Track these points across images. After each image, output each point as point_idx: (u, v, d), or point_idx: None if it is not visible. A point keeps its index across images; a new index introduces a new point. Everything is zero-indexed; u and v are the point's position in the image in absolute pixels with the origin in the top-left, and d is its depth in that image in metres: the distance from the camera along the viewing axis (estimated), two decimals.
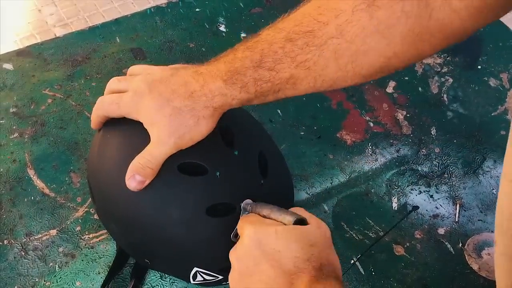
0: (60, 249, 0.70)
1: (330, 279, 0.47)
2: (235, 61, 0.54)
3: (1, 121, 0.82)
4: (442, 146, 0.85)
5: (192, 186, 0.56)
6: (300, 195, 0.77)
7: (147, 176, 0.54)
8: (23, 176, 0.76)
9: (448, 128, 0.87)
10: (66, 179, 0.76)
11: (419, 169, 0.82)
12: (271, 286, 0.48)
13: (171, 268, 0.63)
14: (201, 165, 0.56)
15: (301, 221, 0.51)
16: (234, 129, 0.60)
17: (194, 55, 0.93)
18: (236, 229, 0.55)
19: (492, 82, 0.94)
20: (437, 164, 0.83)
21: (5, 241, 0.70)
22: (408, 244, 0.74)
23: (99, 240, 0.71)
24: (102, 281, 0.66)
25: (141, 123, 0.55)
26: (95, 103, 0.59)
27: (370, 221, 0.75)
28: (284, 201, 0.59)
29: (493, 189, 0.80)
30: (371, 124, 0.87)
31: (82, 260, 0.69)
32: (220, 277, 0.60)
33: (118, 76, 0.60)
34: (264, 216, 0.54)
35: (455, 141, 0.86)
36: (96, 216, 0.72)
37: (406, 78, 0.93)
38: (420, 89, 0.92)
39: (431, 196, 0.79)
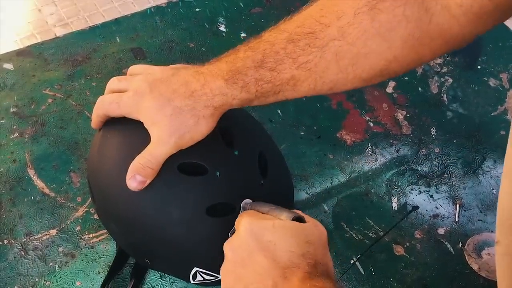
0: (60, 249, 0.70)
1: (323, 278, 0.47)
2: (237, 61, 0.54)
3: (1, 121, 0.82)
4: (442, 146, 0.85)
5: (192, 186, 0.56)
6: (300, 195, 0.77)
7: (148, 176, 0.54)
8: (23, 176, 0.76)
9: (448, 128, 0.87)
10: (66, 179, 0.76)
11: (419, 169, 0.82)
12: (264, 277, 0.48)
13: (171, 268, 0.63)
14: (201, 165, 0.56)
15: (298, 219, 0.52)
16: (234, 129, 0.60)
17: (194, 55, 0.93)
18: (234, 227, 0.55)
19: (492, 82, 0.94)
20: (437, 164, 0.83)
21: (5, 240, 0.70)
22: (408, 244, 0.74)
23: (99, 240, 0.71)
24: (102, 281, 0.66)
25: (142, 123, 0.55)
26: (95, 103, 0.59)
27: (370, 221, 0.75)
28: (284, 201, 0.59)
29: (493, 189, 0.80)
30: (371, 124, 0.87)
31: (82, 260, 0.69)
32: (220, 277, 0.60)
33: (119, 76, 0.60)
34: (263, 213, 0.54)
35: (455, 141, 0.86)
36: (96, 216, 0.72)
37: (406, 78, 0.93)
38: (420, 89, 0.92)
39: (431, 196, 0.79)
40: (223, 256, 0.52)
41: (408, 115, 0.88)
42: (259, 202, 0.56)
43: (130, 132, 0.57)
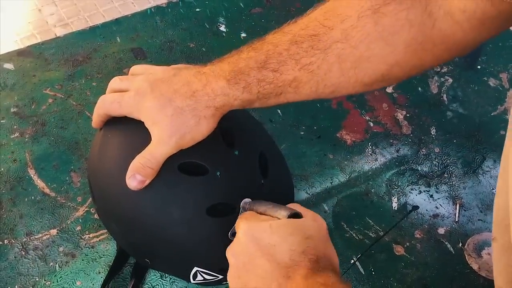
0: (61, 249, 0.70)
1: (327, 272, 0.47)
2: (240, 61, 0.54)
3: (2, 121, 0.82)
4: (442, 146, 0.85)
5: (192, 186, 0.56)
6: (300, 195, 0.77)
7: (148, 175, 0.54)
8: (24, 175, 0.76)
9: (448, 128, 0.87)
10: (67, 178, 0.76)
11: (419, 169, 0.82)
12: (268, 280, 0.48)
13: (171, 268, 0.63)
14: (202, 165, 0.56)
15: (295, 215, 0.52)
16: (235, 129, 0.60)
17: (195, 55, 0.93)
18: (234, 227, 0.55)
19: (492, 82, 0.94)
20: (437, 164, 0.83)
21: (5, 240, 0.70)
22: (408, 244, 0.74)
23: (100, 240, 0.71)
24: (102, 281, 0.66)
25: (142, 123, 0.55)
26: (95, 103, 0.59)
27: (370, 221, 0.75)
28: (285, 201, 0.59)
29: (493, 189, 0.80)
30: (371, 124, 0.87)
31: (83, 260, 0.69)
32: (220, 276, 0.60)
33: (119, 75, 0.60)
34: (261, 213, 0.54)
35: (454, 141, 0.86)
36: (96, 216, 0.72)
37: None
38: (419, 89, 0.92)
39: (431, 196, 0.79)
40: (224, 256, 0.52)
41: (408, 115, 0.88)
42: (257, 201, 0.56)
43: (131, 132, 0.57)
